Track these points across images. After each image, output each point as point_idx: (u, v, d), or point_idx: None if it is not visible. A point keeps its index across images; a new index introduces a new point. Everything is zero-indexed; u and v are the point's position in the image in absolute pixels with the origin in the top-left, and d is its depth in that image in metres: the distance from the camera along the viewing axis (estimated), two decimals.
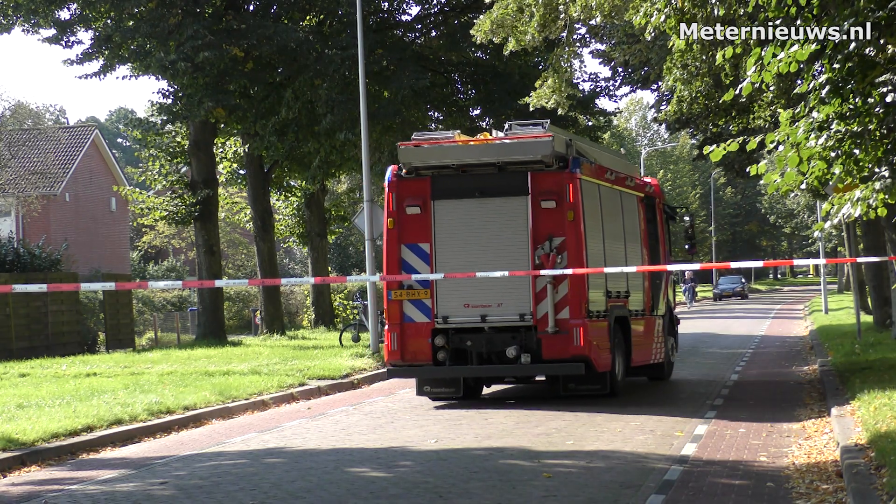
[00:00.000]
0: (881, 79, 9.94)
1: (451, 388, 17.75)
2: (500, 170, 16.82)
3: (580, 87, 34.39)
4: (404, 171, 17.10)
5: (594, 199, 17.40)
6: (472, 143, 17.22)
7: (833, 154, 10.27)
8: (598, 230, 17.49)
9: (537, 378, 18.55)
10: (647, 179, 21.09)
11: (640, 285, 19.28)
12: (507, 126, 17.27)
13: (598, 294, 17.18)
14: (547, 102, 22.12)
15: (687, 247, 24.19)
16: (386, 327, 17.42)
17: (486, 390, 19.40)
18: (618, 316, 17.86)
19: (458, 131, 18.59)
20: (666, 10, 13.34)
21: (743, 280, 76.94)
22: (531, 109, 23.81)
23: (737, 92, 10.50)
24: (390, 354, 17.17)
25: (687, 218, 23.80)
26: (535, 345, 16.59)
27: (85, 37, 58.69)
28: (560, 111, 22.95)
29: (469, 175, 16.93)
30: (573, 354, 16.49)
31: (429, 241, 16.92)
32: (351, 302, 42.06)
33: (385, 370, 23.59)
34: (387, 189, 17.27)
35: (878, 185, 10.05)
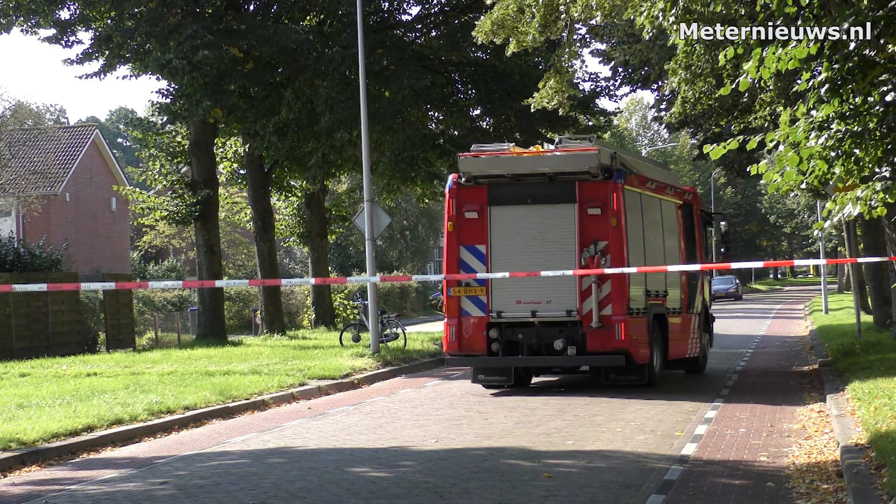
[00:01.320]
0: (881, 78, 9.95)
1: (504, 377, 19.33)
2: (551, 179, 18.48)
3: (581, 88, 34.38)
4: (463, 179, 18.97)
5: (636, 207, 18.99)
6: (525, 154, 18.88)
7: (833, 154, 10.27)
8: (640, 235, 19.07)
9: (581, 369, 20.12)
10: (686, 188, 22.70)
11: (677, 285, 20.74)
12: (557, 140, 19.14)
13: (638, 292, 18.75)
14: (549, 103, 22.13)
15: (722, 250, 25.54)
16: (445, 320, 19.02)
17: (534, 379, 20.85)
18: (656, 313, 19.37)
19: (513, 144, 20.59)
20: (673, 10, 13.33)
21: (737, 281, 76.79)
22: (532, 110, 23.85)
23: (733, 87, 10.50)
24: (448, 345, 18.86)
25: (723, 223, 24.94)
26: (580, 338, 18.26)
27: (85, 37, 58.81)
28: (561, 111, 22.97)
29: (522, 184, 18.67)
30: (615, 347, 18.07)
31: (485, 242, 18.68)
32: (351, 302, 42.05)
33: (385, 370, 23.73)
34: (447, 195, 19.04)
35: (878, 186, 10.05)
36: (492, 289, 18.57)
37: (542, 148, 19.18)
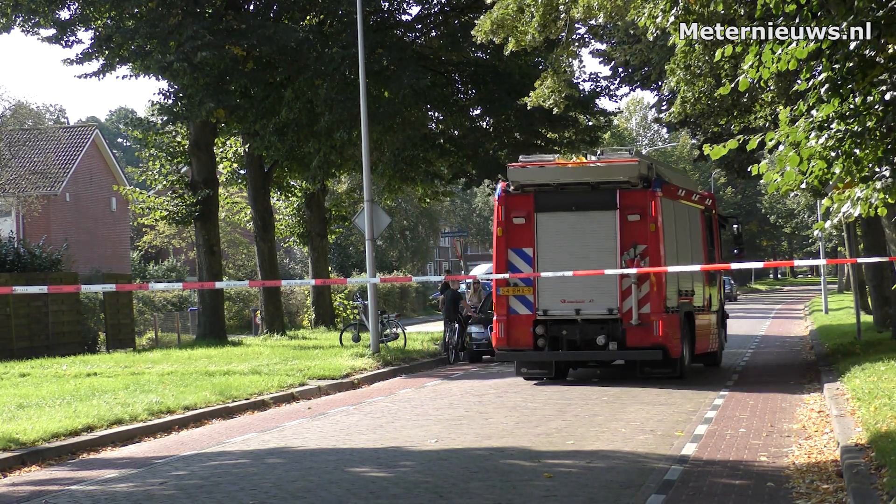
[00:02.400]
0: (881, 78, 9.94)
1: (545, 370, 20.86)
2: (593, 188, 19.95)
3: (580, 87, 34.36)
4: (512, 187, 20.38)
5: (670, 213, 20.45)
6: (569, 165, 20.43)
7: (833, 154, 10.26)
8: (673, 238, 20.50)
9: (615, 362, 21.85)
10: (705, 193, 24.11)
11: (701, 284, 22.27)
12: (599, 151, 20.74)
13: (672, 292, 20.16)
14: (545, 102, 22.17)
15: (735, 251, 26.95)
16: (494, 318, 20.45)
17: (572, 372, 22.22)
18: (686, 311, 20.93)
19: (559, 155, 22.37)
20: (674, 11, 13.33)
21: (732, 282, 76.69)
22: (529, 108, 23.95)
23: (733, 85, 10.49)
24: (497, 341, 20.32)
25: (735, 226, 26.22)
26: (621, 334, 19.74)
27: (85, 36, 58.79)
28: (556, 111, 23.04)
29: (566, 192, 20.14)
30: (652, 343, 19.58)
31: (532, 246, 20.18)
32: (351, 302, 42.04)
33: (385, 370, 23.73)
34: (496, 202, 20.52)
35: (878, 185, 10.05)
36: (538, 288, 20.05)
37: (585, 159, 20.63)
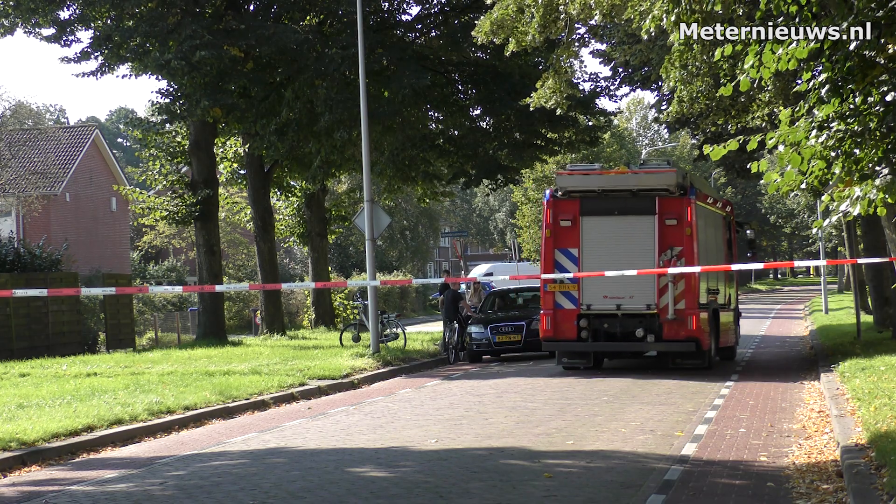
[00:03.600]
0: (881, 78, 9.94)
1: (584, 360, 22.56)
2: (634, 195, 21.62)
3: (581, 88, 34.35)
4: (559, 193, 22.02)
5: (702, 218, 22.16)
6: (612, 173, 22.38)
7: (833, 154, 10.26)
8: (704, 241, 22.19)
9: (647, 353, 23.53)
10: (724, 200, 26.02)
11: (724, 284, 24.20)
12: (640, 161, 24.46)
13: (703, 290, 21.80)
14: (547, 103, 22.18)
15: (749, 255, 29.04)
16: (541, 311, 22.26)
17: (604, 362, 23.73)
18: (714, 308, 22.61)
19: (601, 164, 24.60)
20: (676, 10, 13.31)
21: None
22: (531, 109, 23.96)
23: (734, 84, 10.48)
24: (544, 332, 22.07)
25: (749, 231, 28.37)
26: (658, 328, 21.42)
27: (84, 36, 58.71)
28: (558, 111, 23.07)
29: (609, 198, 21.78)
30: (686, 336, 21.30)
31: (577, 247, 21.83)
32: (351, 302, 42.04)
33: (385, 370, 23.74)
34: (545, 207, 22.29)
35: (878, 182, 10.03)
36: (582, 286, 21.74)
37: (627, 168, 22.50)
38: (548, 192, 22.41)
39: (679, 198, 21.44)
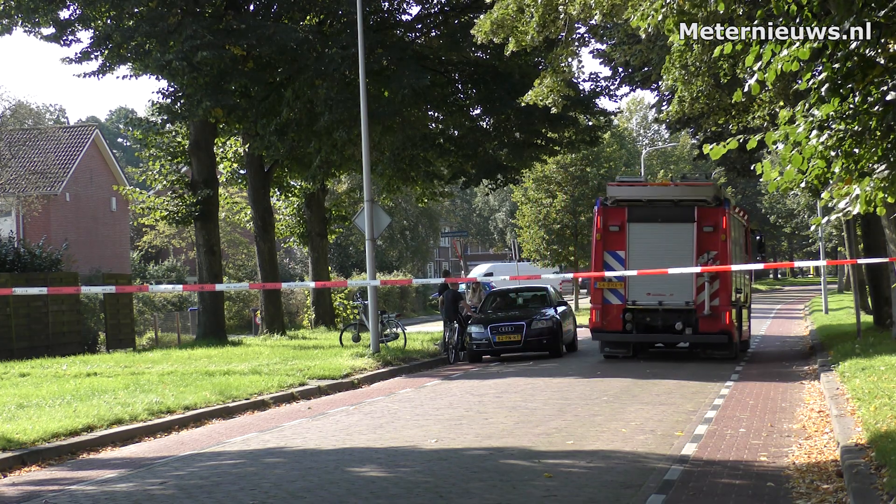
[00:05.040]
0: (881, 77, 9.93)
1: (625, 350, 25.24)
2: (676, 205, 24.39)
3: (581, 87, 34.34)
4: (609, 202, 24.65)
5: (733, 226, 24.70)
6: (657, 185, 25.68)
7: (833, 153, 10.25)
8: (735, 246, 24.87)
9: (679, 345, 26.48)
10: (743, 210, 28.69)
11: (744, 285, 27.09)
12: (681, 176, 26.32)
13: (734, 289, 24.49)
14: (543, 100, 22.21)
15: (759, 258, 31.14)
16: (591, 306, 25.14)
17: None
18: (740, 305, 25.45)
19: (648, 177, 26.82)
20: (663, 9, 13.31)
21: None
22: (523, 105, 24.24)
23: (745, 90, 10.48)
24: (593, 324, 24.78)
25: (758, 237, 31.18)
26: (695, 322, 24.10)
27: (84, 36, 58.69)
28: (553, 109, 23.09)
29: (653, 207, 24.49)
30: (720, 329, 24.05)
31: (624, 249, 24.46)
32: (351, 302, 42.03)
33: (385, 370, 23.76)
34: (596, 214, 24.84)
35: (876, 177, 10.02)
36: (628, 284, 24.31)
37: (669, 181, 25.59)
38: (598, 200, 25.02)
39: (715, 208, 24.11)
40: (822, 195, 11.00)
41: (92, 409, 15.89)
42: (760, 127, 25.78)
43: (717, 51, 10.77)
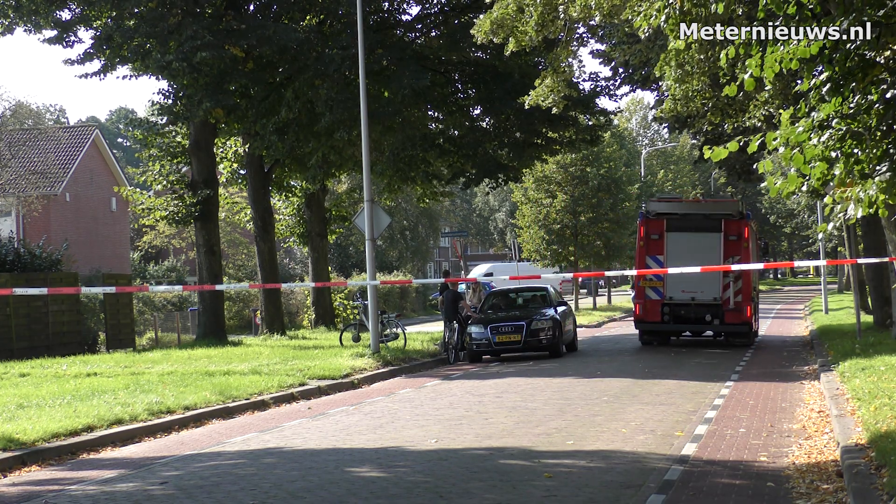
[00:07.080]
0: (881, 77, 9.93)
1: (658, 337, 30.07)
2: (706, 217, 29.01)
3: (581, 87, 34.33)
4: (650, 214, 29.18)
5: (753, 235, 29.08)
6: (690, 201, 33.21)
7: (834, 154, 10.25)
8: (754, 252, 29.51)
9: (704, 334, 31.47)
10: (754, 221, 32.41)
11: (756, 283, 30.70)
12: (710, 193, 31.67)
13: (753, 287, 28.66)
14: (543, 101, 22.19)
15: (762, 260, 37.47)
16: (634, 301, 29.87)
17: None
18: (755, 301, 29.81)
19: (683, 195, 30.51)
20: (666, 10, 13.30)
21: None
22: (527, 107, 24.14)
23: (738, 84, 10.47)
24: (637, 316, 29.53)
25: (763, 242, 35.83)
26: (721, 314, 28.53)
27: (85, 36, 58.77)
28: (554, 110, 23.05)
29: (688, 219, 29.17)
30: (742, 321, 28.51)
31: (662, 254, 28.91)
32: (351, 302, 42.03)
33: (385, 370, 23.77)
34: (639, 224, 29.44)
35: (877, 180, 10.02)
36: (666, 283, 28.71)
37: (700, 198, 30.74)
38: (640, 213, 29.68)
39: (738, 220, 28.54)
40: (825, 200, 10.97)
41: (92, 410, 15.90)
42: (757, 127, 25.73)
43: (722, 58, 10.75)
